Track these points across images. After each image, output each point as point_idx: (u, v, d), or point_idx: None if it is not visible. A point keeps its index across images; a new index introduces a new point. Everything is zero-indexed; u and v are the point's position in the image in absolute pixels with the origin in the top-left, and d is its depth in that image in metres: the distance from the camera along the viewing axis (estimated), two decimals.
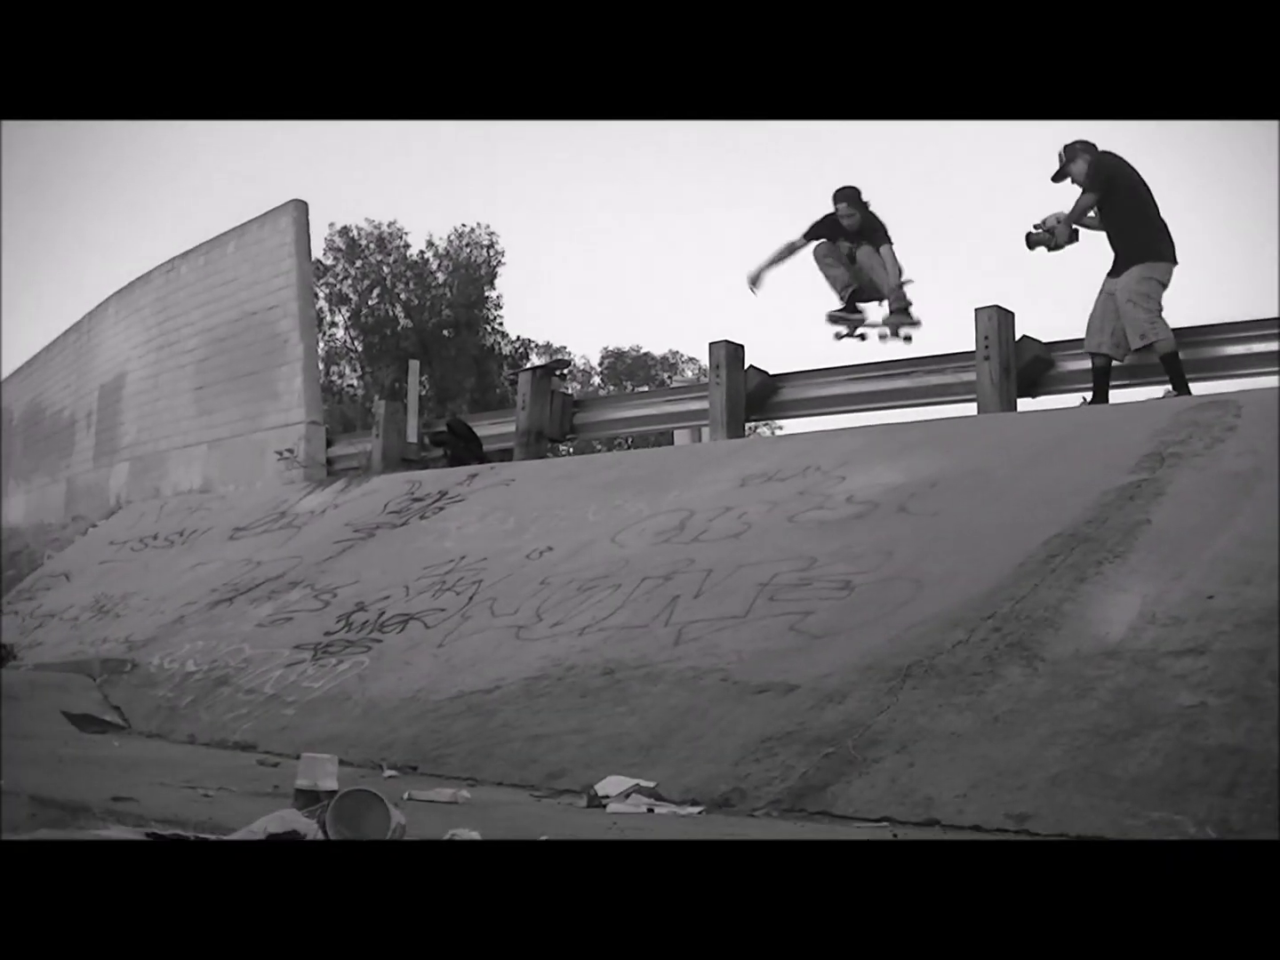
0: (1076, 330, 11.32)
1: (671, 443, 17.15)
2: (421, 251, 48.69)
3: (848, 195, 12.72)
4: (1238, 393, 9.55)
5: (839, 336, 13.21)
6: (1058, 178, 11.30)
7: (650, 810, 6.36)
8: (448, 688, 8.96)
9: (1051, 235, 11.27)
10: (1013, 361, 11.60)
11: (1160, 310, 10.61)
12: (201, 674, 11.10)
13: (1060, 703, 6.32)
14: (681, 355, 57.22)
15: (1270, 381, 10.32)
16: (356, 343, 48.29)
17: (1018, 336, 11.70)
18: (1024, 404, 11.78)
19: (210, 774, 7.50)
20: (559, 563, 10.46)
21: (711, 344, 13.69)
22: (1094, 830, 5.28)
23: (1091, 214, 11.16)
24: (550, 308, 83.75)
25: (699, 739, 7.18)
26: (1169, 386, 10.74)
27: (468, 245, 48.46)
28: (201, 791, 6.64)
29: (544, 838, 3.40)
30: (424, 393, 20.98)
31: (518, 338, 50.04)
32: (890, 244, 12.54)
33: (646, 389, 32.73)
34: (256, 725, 9.67)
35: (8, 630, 14.80)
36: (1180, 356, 10.59)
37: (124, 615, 13.88)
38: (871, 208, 12.82)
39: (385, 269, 48.44)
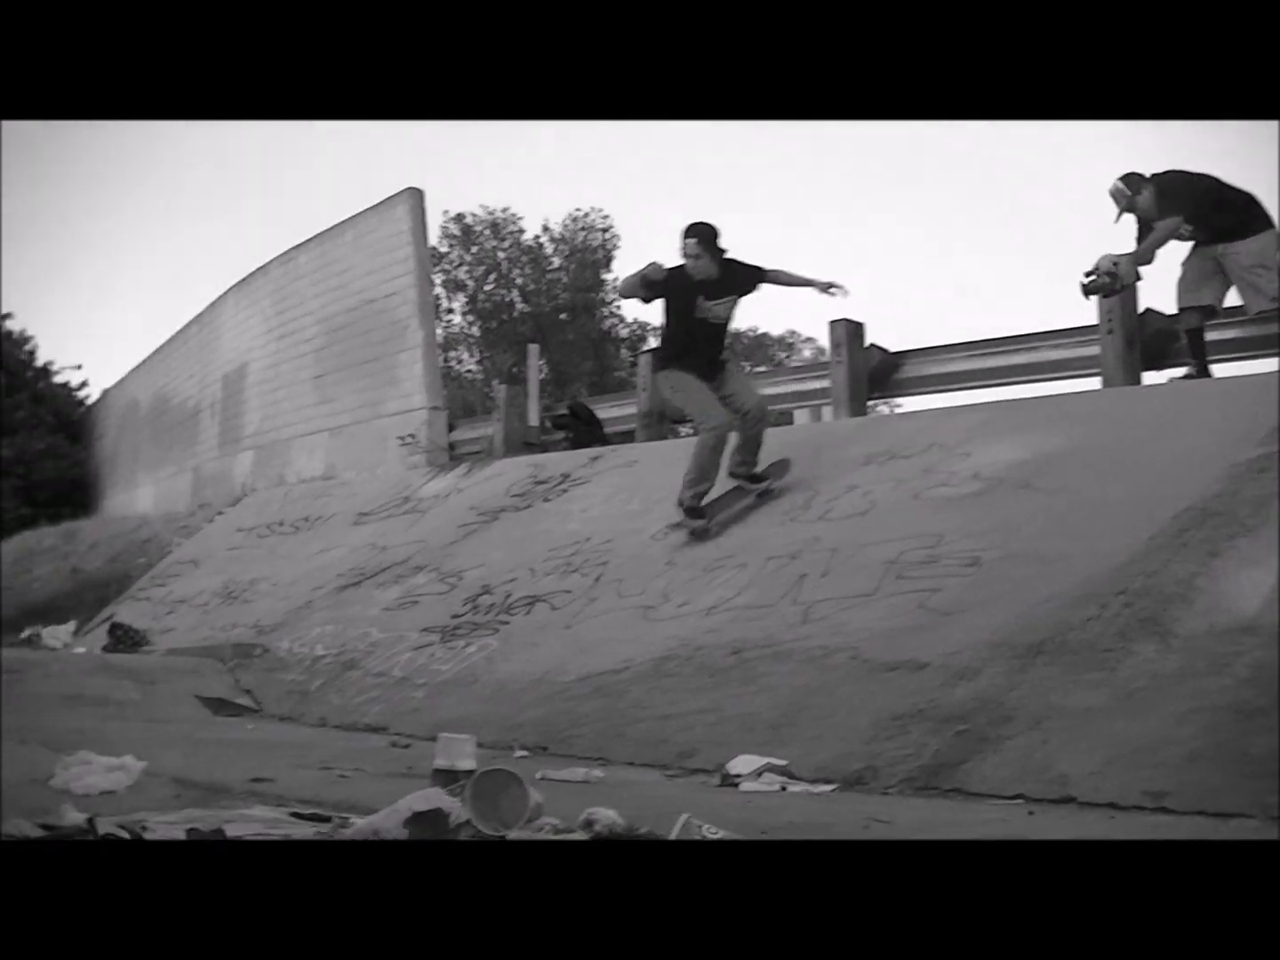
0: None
1: (790, 423, 17.06)
2: (537, 236, 48.79)
3: (698, 231, 10.49)
4: None
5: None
6: (1121, 215, 11.01)
7: (783, 789, 6.37)
8: (576, 668, 9.01)
9: (1114, 279, 10.83)
10: (1136, 335, 11.45)
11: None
12: (331, 658, 11.24)
13: (1195, 679, 6.24)
14: (799, 335, 56.91)
15: None
16: (473, 328, 48.49)
17: (1140, 310, 11.53)
18: (1147, 378, 11.61)
19: (344, 756, 7.60)
20: (684, 543, 10.47)
21: (832, 322, 13.61)
22: (1233, 808, 5.21)
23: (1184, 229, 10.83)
24: None
25: (829, 717, 7.17)
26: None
27: (583, 229, 48.47)
28: (338, 773, 6.73)
29: (686, 817, 3.40)
30: (542, 376, 21.04)
31: (634, 320, 50.04)
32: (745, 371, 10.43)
33: (765, 369, 32.56)
34: (386, 708, 9.77)
35: (140, 616, 15.05)
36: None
37: (252, 601, 14.07)
38: (729, 256, 10.70)
39: (500, 254, 48.56)
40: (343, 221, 19.29)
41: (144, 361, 27.81)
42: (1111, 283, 10.75)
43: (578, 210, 48.86)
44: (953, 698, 6.84)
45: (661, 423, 15.23)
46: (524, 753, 7.82)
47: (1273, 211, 10.37)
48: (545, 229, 48.81)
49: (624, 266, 47.37)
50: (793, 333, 57.02)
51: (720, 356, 11.00)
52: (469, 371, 47.71)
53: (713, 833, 3.29)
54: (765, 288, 10.84)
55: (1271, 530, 7.27)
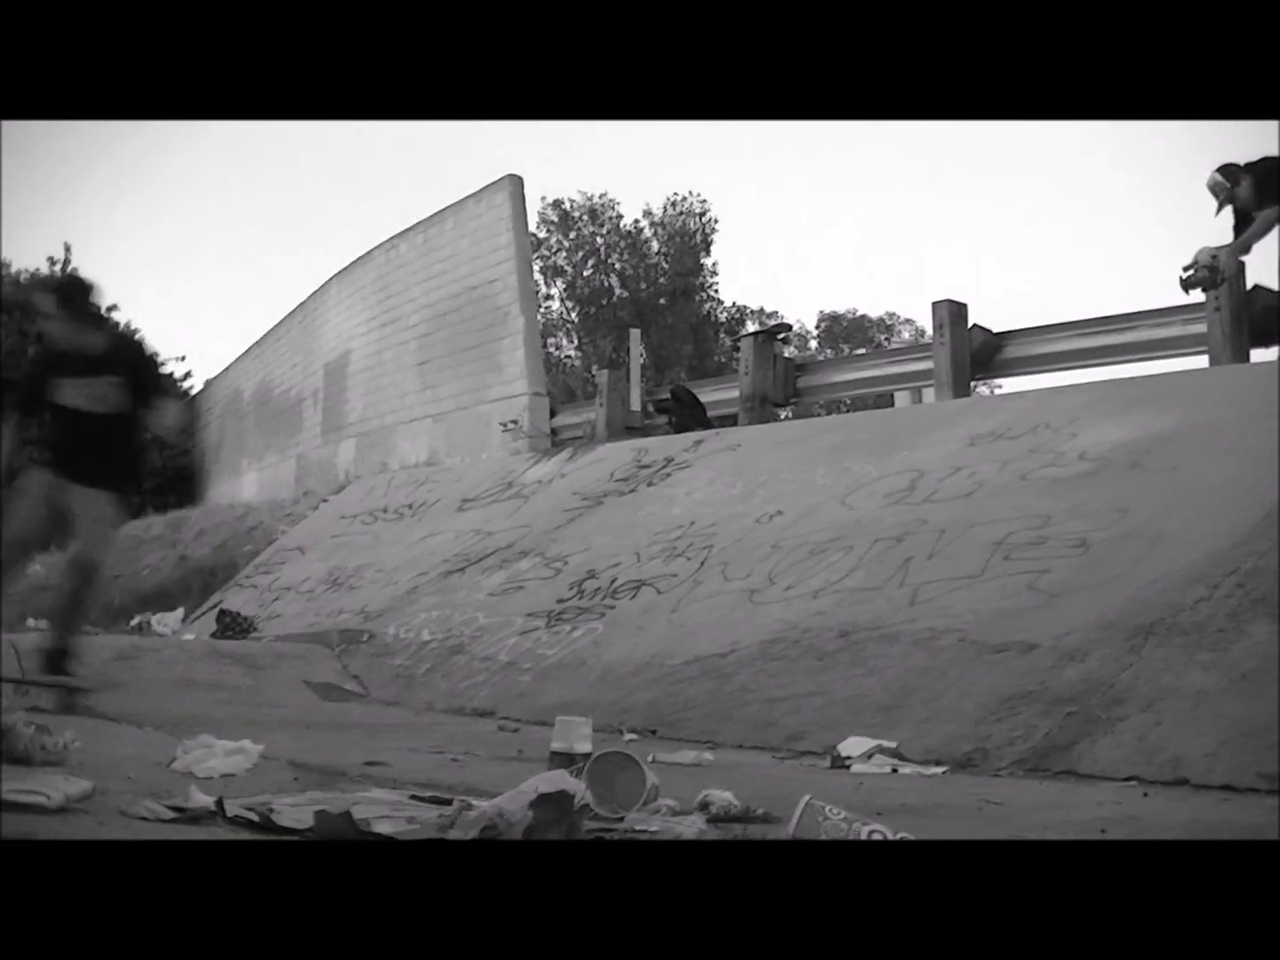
0: None
1: (891, 405, 17.02)
2: (636, 221, 48.91)
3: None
4: None
5: None
6: (1221, 209, 10.95)
7: (894, 770, 6.37)
8: (683, 652, 9.04)
9: (1214, 272, 10.82)
10: (1243, 311, 11.32)
11: None
12: (437, 643, 11.32)
13: None
14: (898, 317, 56.75)
15: None
16: (573, 314, 48.68)
17: (1249, 286, 11.40)
18: (1256, 355, 11.48)
19: (454, 739, 7.65)
20: (789, 526, 10.48)
21: (934, 303, 13.56)
22: None
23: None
24: (764, 273, 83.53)
25: (938, 699, 7.16)
26: None
27: (681, 214, 48.55)
28: (450, 756, 6.78)
29: (808, 798, 3.41)
30: (643, 361, 21.12)
31: (733, 304, 50.06)
32: None
33: (865, 351, 32.47)
34: (494, 692, 9.84)
35: (247, 603, 15.24)
36: None
37: (358, 587, 14.18)
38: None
39: (599, 240, 48.71)
40: (444, 209, 19.39)
41: (247, 351, 28.06)
42: (1211, 276, 10.71)
43: (675, 194, 48.96)
44: (1062, 679, 6.81)
45: (764, 406, 15.24)
46: (633, 736, 7.83)
47: None
48: (646, 213, 48.92)
49: (721, 250, 47.52)
50: (891, 314, 56.91)
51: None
52: (568, 357, 47.89)
53: (835, 813, 3.29)
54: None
55: None
